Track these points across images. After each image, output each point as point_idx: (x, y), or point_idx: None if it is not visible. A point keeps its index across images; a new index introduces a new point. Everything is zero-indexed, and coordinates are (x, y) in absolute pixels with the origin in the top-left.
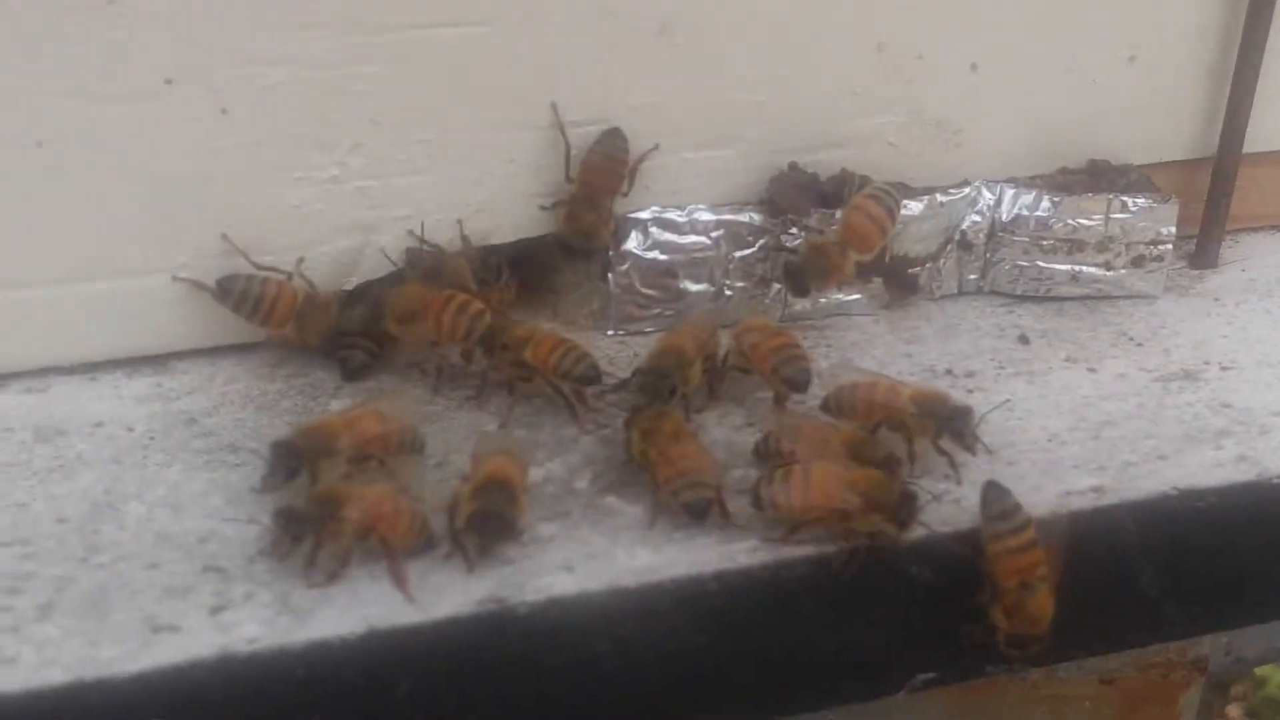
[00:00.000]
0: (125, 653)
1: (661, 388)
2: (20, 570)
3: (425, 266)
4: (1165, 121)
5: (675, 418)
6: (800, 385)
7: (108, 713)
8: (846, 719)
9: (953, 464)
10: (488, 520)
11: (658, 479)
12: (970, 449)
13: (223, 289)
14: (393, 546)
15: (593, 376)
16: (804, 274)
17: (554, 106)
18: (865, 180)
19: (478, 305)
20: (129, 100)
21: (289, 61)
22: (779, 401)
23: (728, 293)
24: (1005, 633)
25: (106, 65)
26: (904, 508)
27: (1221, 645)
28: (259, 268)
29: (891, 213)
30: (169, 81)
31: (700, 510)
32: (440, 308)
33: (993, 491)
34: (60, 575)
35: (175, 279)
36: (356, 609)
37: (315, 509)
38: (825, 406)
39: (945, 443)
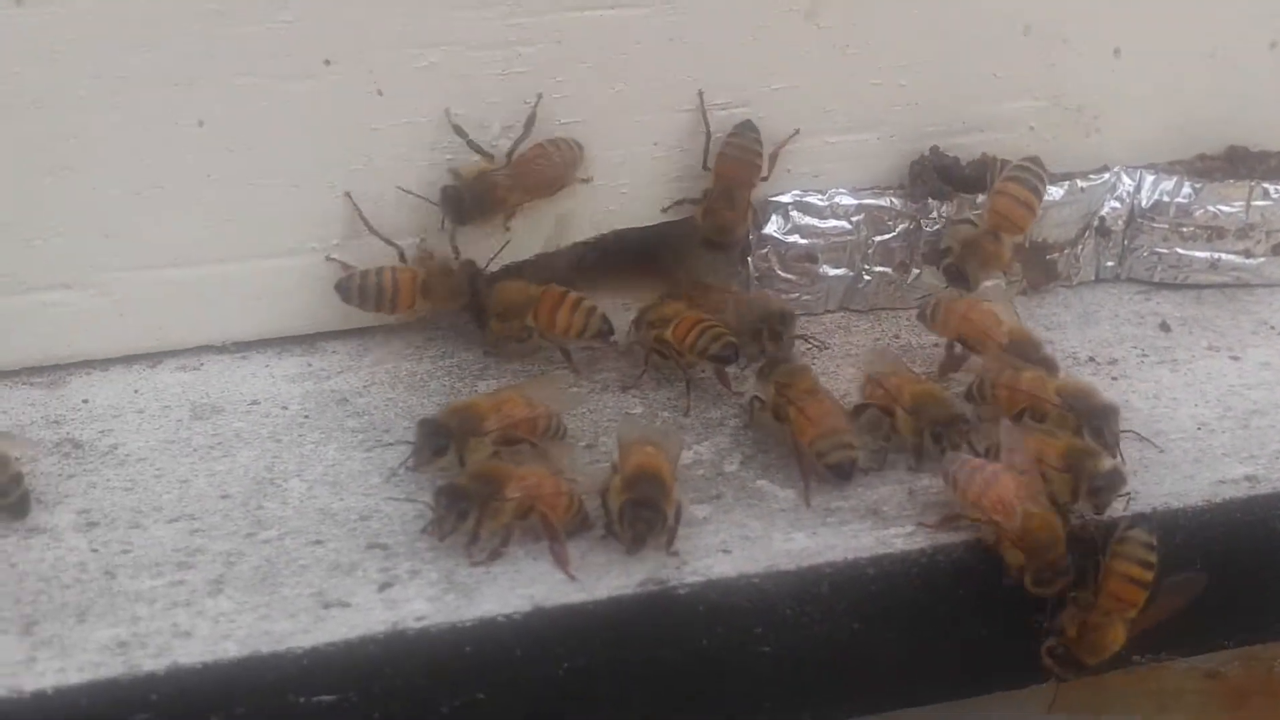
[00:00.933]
0: (298, 627)
1: None
2: (190, 545)
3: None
4: None
5: (810, 373)
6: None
7: (282, 686)
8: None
9: None
10: (640, 509)
11: (800, 438)
12: (1110, 451)
13: (343, 291)
14: (553, 526)
15: (728, 356)
16: (965, 268)
17: (700, 94)
18: (1007, 165)
19: (589, 302)
20: (288, 80)
21: (447, 43)
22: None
23: (866, 278)
24: (1061, 642)
25: (269, 46)
26: (1048, 571)
27: None
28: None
29: (1037, 190)
30: (328, 62)
31: (847, 472)
32: (553, 306)
33: (1144, 522)
34: (229, 550)
35: (328, 259)
36: (520, 587)
37: (478, 487)
38: (969, 395)
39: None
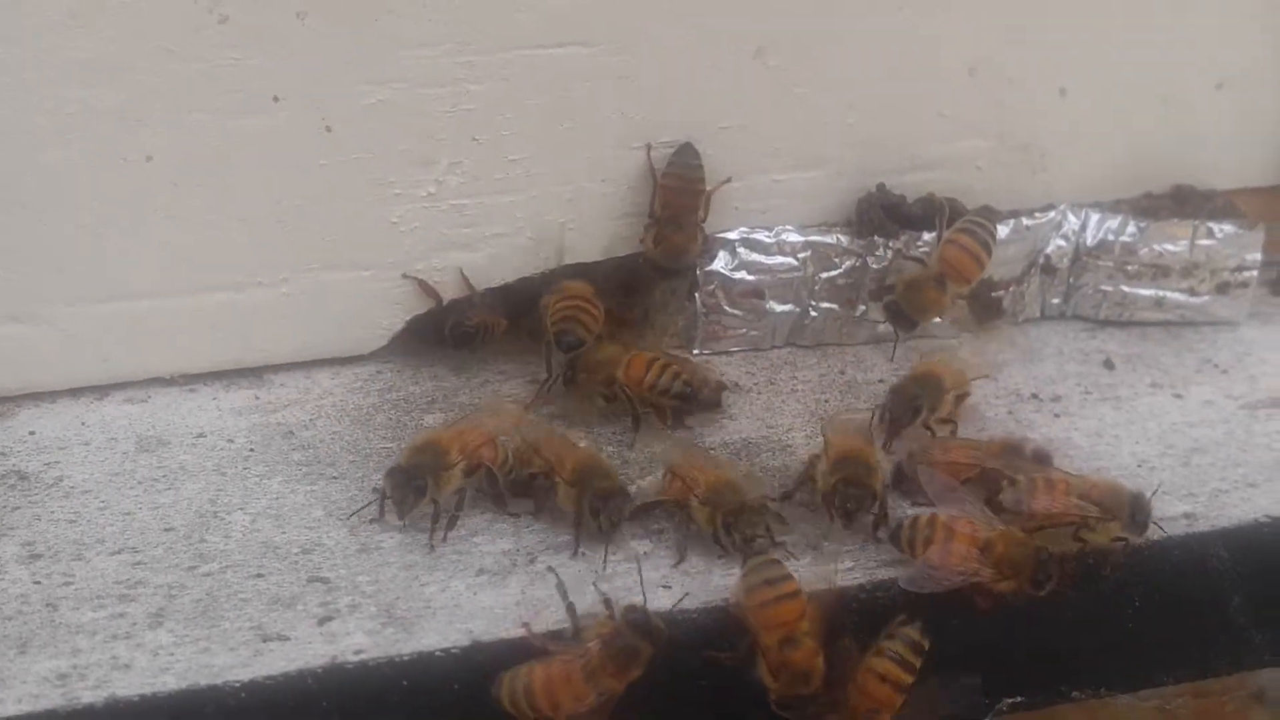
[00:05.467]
0: (237, 660)
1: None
2: (131, 578)
3: None
4: (1251, 148)
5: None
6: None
7: (220, 719)
8: None
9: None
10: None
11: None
12: (1144, 534)
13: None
14: (494, 473)
15: (690, 393)
16: (906, 311)
17: (648, 148)
18: (954, 203)
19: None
20: (236, 116)
21: (396, 80)
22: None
23: (813, 314)
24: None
25: (216, 82)
26: (1044, 570)
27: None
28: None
29: (987, 245)
30: (276, 99)
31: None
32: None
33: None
34: (170, 583)
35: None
36: (459, 622)
37: (426, 460)
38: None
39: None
